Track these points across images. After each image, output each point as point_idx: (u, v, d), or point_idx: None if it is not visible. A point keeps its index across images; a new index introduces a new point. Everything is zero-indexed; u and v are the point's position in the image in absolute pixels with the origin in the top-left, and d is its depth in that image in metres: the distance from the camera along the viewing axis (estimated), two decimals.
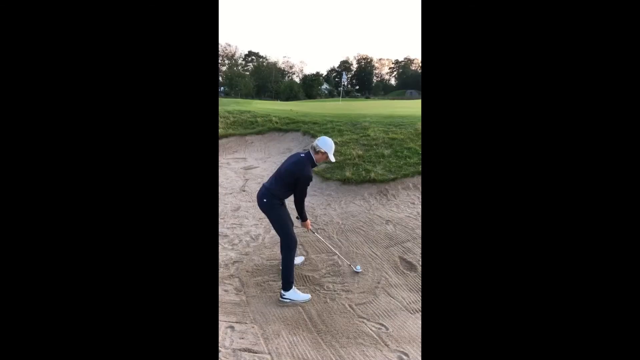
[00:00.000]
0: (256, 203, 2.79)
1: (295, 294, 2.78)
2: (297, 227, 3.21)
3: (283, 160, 3.05)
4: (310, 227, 3.11)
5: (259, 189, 3.03)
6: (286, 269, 2.78)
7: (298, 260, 3.32)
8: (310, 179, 2.81)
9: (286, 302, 2.75)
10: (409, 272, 3.11)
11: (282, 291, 2.78)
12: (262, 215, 4.39)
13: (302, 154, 2.90)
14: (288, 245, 2.81)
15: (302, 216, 2.96)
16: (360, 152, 5.73)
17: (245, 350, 2.18)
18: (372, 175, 4.94)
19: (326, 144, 2.82)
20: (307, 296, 2.81)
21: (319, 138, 2.89)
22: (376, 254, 3.41)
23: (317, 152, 2.82)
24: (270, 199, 2.86)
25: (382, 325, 2.49)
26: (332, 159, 2.90)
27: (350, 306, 2.72)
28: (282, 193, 2.87)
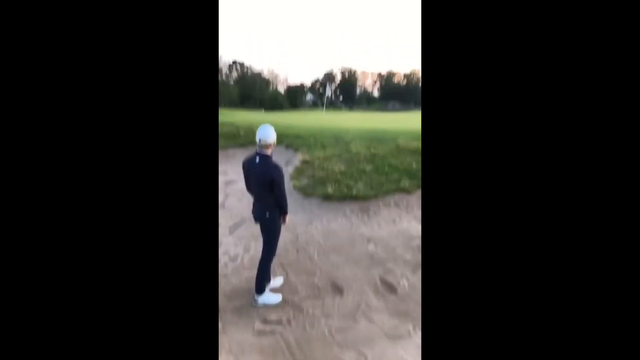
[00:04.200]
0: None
1: (268, 297, 2.96)
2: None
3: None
4: (287, 221, 3.05)
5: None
6: (264, 275, 2.93)
7: (277, 281, 3.23)
8: (282, 171, 2.77)
9: (259, 306, 2.90)
10: (389, 295, 3.07)
11: (255, 295, 2.93)
12: (242, 233, 4.31)
13: (256, 158, 2.75)
14: (272, 253, 2.95)
15: (285, 210, 2.90)
16: (342, 168, 5.73)
17: None
18: (354, 192, 4.92)
19: (270, 133, 2.72)
20: (279, 297, 2.99)
21: (259, 131, 2.74)
22: (357, 276, 3.35)
23: (267, 147, 2.72)
24: (272, 211, 2.84)
25: (362, 353, 2.42)
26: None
27: (329, 332, 2.64)
28: (274, 201, 2.81)
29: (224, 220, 4.67)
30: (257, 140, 2.73)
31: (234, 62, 57.16)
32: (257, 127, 2.91)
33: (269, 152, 2.75)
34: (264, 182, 2.72)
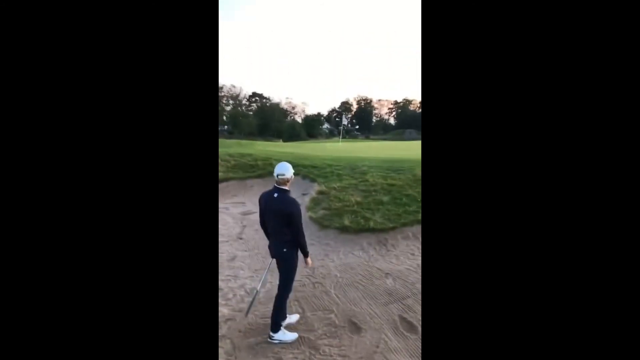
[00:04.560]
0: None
1: (284, 335, 2.91)
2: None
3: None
4: (311, 263, 3.07)
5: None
6: (279, 311, 2.90)
7: (293, 318, 3.17)
8: (299, 207, 2.84)
9: (275, 343, 2.87)
10: (409, 335, 2.95)
11: (271, 333, 2.90)
12: (258, 266, 4.30)
13: (275, 193, 2.81)
14: (288, 290, 2.93)
15: (306, 251, 2.90)
16: (358, 199, 5.71)
17: None
18: (371, 223, 4.87)
19: (288, 169, 2.82)
20: (295, 335, 2.94)
21: (277, 167, 2.84)
22: (375, 313, 3.25)
23: (286, 182, 2.81)
24: (290, 248, 2.83)
25: None
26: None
27: None
28: (291, 237, 2.81)
29: (241, 252, 4.69)
30: (275, 175, 2.81)
31: (254, 94, 59.48)
32: (275, 158, 3.03)
33: (286, 187, 2.82)
34: (282, 217, 2.75)
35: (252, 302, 3.10)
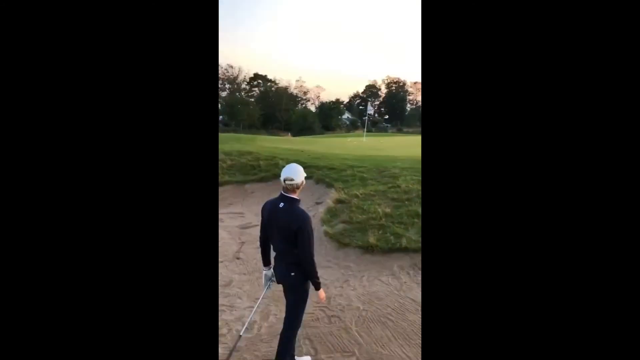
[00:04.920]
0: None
1: None
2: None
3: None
4: (324, 296, 3.02)
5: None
6: (286, 352, 2.93)
7: None
8: (311, 222, 2.78)
9: None
10: None
11: None
12: (260, 294, 4.33)
13: (281, 203, 2.78)
14: (297, 325, 2.97)
15: (316, 282, 2.83)
16: (388, 210, 5.70)
17: None
18: (404, 241, 4.85)
19: (298, 173, 2.78)
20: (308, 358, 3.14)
21: (284, 170, 2.81)
22: (408, 357, 3.23)
23: (296, 188, 2.79)
24: (300, 271, 2.79)
25: None
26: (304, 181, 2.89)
27: None
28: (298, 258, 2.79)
29: (238, 276, 4.74)
30: (282, 180, 2.79)
31: (255, 76, 60.24)
32: (281, 157, 3.05)
33: (296, 195, 2.80)
34: (289, 233, 2.72)
35: (233, 349, 3.10)
